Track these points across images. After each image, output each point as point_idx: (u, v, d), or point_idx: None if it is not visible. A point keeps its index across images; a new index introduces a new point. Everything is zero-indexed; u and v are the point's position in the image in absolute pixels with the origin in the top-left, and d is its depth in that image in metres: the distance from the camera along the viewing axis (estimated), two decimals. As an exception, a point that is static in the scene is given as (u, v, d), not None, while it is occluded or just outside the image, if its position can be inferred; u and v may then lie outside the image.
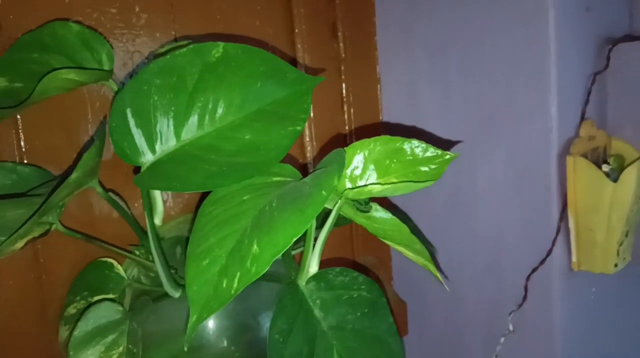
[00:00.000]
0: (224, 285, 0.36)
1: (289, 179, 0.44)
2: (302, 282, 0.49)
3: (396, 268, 0.94)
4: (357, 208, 0.46)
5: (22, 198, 0.42)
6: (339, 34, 0.82)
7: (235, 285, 0.36)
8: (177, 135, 0.45)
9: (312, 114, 0.80)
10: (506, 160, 0.76)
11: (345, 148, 0.42)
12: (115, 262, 0.56)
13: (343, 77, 0.83)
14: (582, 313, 0.78)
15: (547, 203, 0.73)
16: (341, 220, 0.62)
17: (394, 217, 0.45)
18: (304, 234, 0.48)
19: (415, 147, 0.43)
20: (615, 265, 0.73)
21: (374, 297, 0.52)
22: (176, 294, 0.56)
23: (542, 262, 0.75)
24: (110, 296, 0.52)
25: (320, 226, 0.47)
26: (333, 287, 0.50)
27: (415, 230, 0.70)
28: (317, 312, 0.49)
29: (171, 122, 0.45)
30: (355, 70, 0.84)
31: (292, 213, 0.36)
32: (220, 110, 0.46)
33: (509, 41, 0.73)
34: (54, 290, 0.57)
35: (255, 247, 0.36)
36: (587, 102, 0.75)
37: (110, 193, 0.52)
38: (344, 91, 0.84)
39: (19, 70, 0.50)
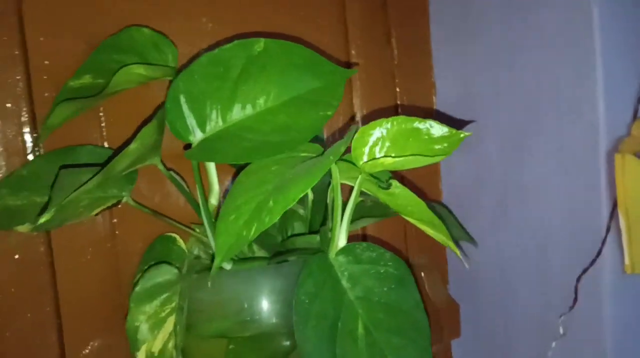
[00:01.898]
0: (244, 234, 0.42)
1: (314, 155, 0.50)
2: (331, 254, 0.54)
3: (452, 270, 0.95)
4: (379, 186, 0.51)
5: (98, 168, 0.50)
6: (393, 40, 0.87)
7: (252, 233, 0.41)
8: (223, 118, 0.52)
9: (365, 117, 0.85)
10: (554, 158, 0.76)
11: (362, 126, 0.47)
12: (178, 237, 0.64)
13: (397, 81, 0.88)
14: (637, 319, 0.76)
15: (596, 203, 0.72)
16: (384, 210, 0.67)
17: (413, 193, 0.49)
18: (332, 210, 0.53)
19: (431, 127, 0.47)
20: (672, 268, 0.71)
21: (401, 273, 0.56)
22: (228, 266, 0.62)
23: (592, 263, 0.74)
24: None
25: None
26: (360, 261, 0.54)
27: (455, 224, 0.72)
28: (345, 283, 0.54)
29: (218, 106, 0.52)
30: (409, 75, 0.88)
31: (303, 175, 0.41)
32: (260, 97, 0.53)
33: (556, 40, 0.74)
34: (127, 259, 0.65)
35: (271, 203, 0.42)
36: (639, 100, 0.74)
37: (172, 172, 0.60)
38: (397, 96, 0.88)
39: (101, 68, 0.60)
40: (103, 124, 0.63)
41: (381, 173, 0.52)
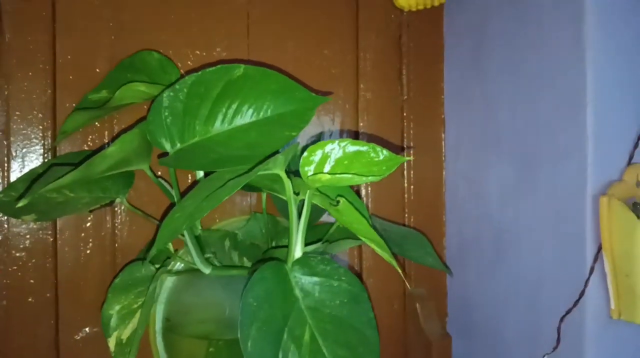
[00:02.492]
0: (178, 228, 0.48)
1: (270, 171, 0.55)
2: (288, 264, 0.58)
3: (451, 303, 0.96)
4: (330, 203, 0.55)
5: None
6: (403, 77, 0.91)
7: (182, 228, 0.47)
8: (199, 132, 0.59)
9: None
10: (545, 201, 0.77)
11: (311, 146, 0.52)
12: (167, 240, 0.70)
13: (404, 114, 0.91)
14: (626, 368, 0.74)
15: (581, 245, 0.72)
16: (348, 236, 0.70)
17: (357, 212, 0.53)
18: (291, 224, 0.58)
19: (372, 151, 0.51)
20: (659, 318, 0.69)
21: (355, 290, 0.59)
22: (206, 270, 0.68)
23: (575, 304, 0.73)
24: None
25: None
26: (315, 273, 0.58)
27: (431, 252, 0.74)
28: (297, 292, 0.58)
29: (196, 122, 0.59)
30: (418, 111, 0.92)
31: (219, 191, 0.47)
32: (235, 116, 0.59)
33: (551, 86, 0.76)
34: (125, 256, 0.73)
35: (199, 208, 0.47)
36: (636, 146, 0.73)
37: (160, 180, 0.67)
38: (404, 130, 0.92)
39: (116, 84, 0.68)
40: (115, 133, 0.71)
41: (333, 191, 0.56)
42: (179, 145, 0.58)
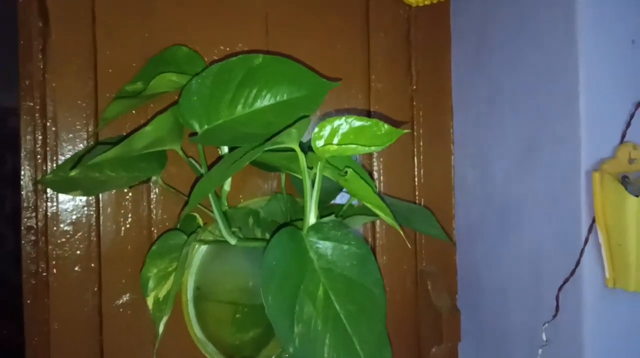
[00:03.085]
0: (205, 192, 0.56)
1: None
2: (304, 230, 0.65)
3: (461, 279, 1.01)
4: (339, 174, 0.62)
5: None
6: (412, 69, 0.98)
7: (208, 192, 0.55)
8: (224, 115, 0.67)
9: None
10: (545, 180, 0.83)
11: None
12: (197, 215, 0.78)
13: (414, 103, 0.98)
14: (621, 335, 0.79)
15: (577, 218, 0.78)
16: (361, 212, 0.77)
17: (363, 181, 0.60)
18: (305, 194, 0.65)
19: (375, 126, 0.58)
20: (650, 285, 0.74)
21: (363, 253, 0.66)
22: (232, 241, 0.76)
23: (572, 273, 0.79)
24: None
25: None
26: (328, 237, 0.65)
27: (435, 224, 0.80)
28: (312, 254, 0.65)
29: (221, 105, 0.67)
30: (427, 100, 0.99)
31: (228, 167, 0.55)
32: (255, 100, 0.67)
33: (549, 79, 0.82)
34: (159, 230, 0.81)
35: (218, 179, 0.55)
36: (628, 125, 0.79)
37: (191, 159, 0.75)
38: (414, 118, 0.98)
39: (150, 77, 0.76)
40: (148, 120, 0.80)
41: (342, 163, 0.63)
42: (206, 126, 0.66)
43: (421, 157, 0.99)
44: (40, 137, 0.80)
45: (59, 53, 0.78)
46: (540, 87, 0.83)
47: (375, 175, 0.96)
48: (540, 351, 0.83)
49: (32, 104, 0.81)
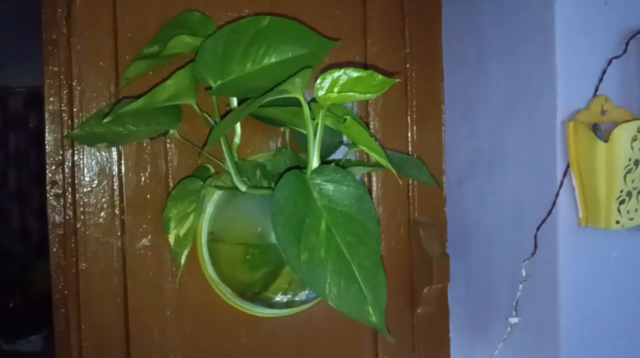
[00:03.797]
0: (222, 130, 0.64)
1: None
2: (307, 173, 0.74)
3: (450, 228, 1.10)
4: (339, 121, 0.70)
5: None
6: (406, 33, 1.06)
7: (225, 132, 0.63)
8: (236, 71, 0.75)
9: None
10: (525, 131, 0.91)
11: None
12: (210, 166, 0.87)
13: (407, 65, 1.06)
14: (593, 270, 0.88)
15: (553, 164, 0.86)
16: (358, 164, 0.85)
17: (360, 127, 0.68)
18: (309, 139, 0.73)
19: (370, 76, 0.66)
20: (617, 222, 0.83)
21: (360, 192, 0.74)
22: (243, 188, 0.84)
23: (549, 214, 0.87)
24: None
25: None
26: (329, 179, 0.74)
27: (425, 171, 0.89)
28: (315, 194, 0.73)
29: (233, 62, 0.75)
30: (419, 62, 1.07)
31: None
32: (263, 58, 0.75)
33: (529, 35, 0.89)
34: (176, 179, 0.89)
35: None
36: (600, 80, 0.87)
37: (205, 114, 0.83)
38: (407, 79, 1.06)
39: (166, 40, 0.84)
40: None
41: (338, 110, 0.72)
42: (220, 81, 0.74)
43: (414, 116, 1.07)
44: (65, 97, 0.87)
45: (81, 17, 0.86)
46: (522, 45, 0.91)
47: (372, 131, 1.05)
48: (520, 286, 0.92)
49: (57, 68, 0.88)
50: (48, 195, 0.94)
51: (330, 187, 0.74)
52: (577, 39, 0.86)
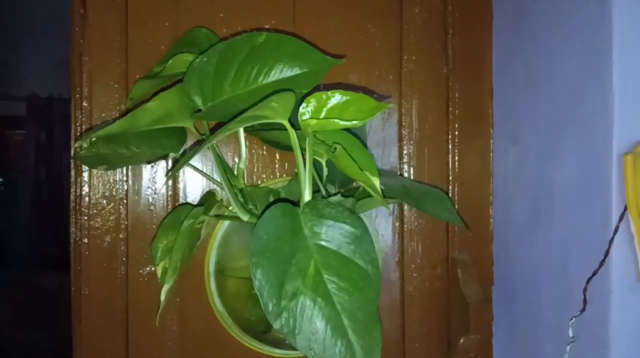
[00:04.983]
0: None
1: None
2: (301, 207, 0.66)
3: (497, 270, 0.97)
4: (328, 150, 0.61)
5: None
6: (449, 48, 0.94)
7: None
8: (227, 92, 0.68)
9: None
10: (576, 162, 0.77)
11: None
12: (217, 192, 0.81)
13: (450, 84, 0.95)
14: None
15: (607, 205, 0.71)
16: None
17: (350, 158, 0.59)
18: (298, 170, 0.65)
19: (360, 100, 0.57)
20: (688, 282, 0.67)
21: (359, 231, 0.65)
22: (244, 218, 0.77)
23: (601, 265, 0.72)
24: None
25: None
26: (323, 215, 0.65)
27: (449, 208, 0.77)
28: (306, 231, 0.65)
29: (225, 82, 0.68)
30: (464, 81, 0.95)
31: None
32: (257, 77, 0.68)
33: (583, 50, 0.75)
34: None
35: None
36: (671, 104, 0.71)
37: (204, 136, 0.78)
38: (449, 100, 0.95)
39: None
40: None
41: (330, 138, 0.63)
42: (210, 102, 0.68)
43: (456, 141, 0.95)
44: (80, 117, 0.86)
45: (93, 36, 0.84)
46: (574, 57, 0.77)
47: (406, 159, 0.94)
48: (568, 348, 0.78)
49: (79, 88, 0.87)
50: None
51: (324, 223, 0.65)
52: (637, 53, 0.70)
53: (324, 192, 0.74)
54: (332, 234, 0.65)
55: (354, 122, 0.56)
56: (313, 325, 0.61)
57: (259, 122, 0.60)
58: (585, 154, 0.75)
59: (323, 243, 0.64)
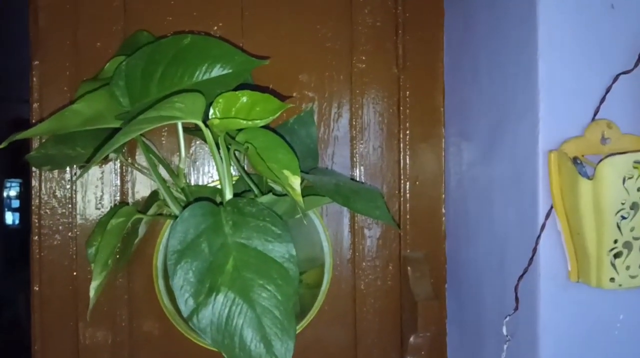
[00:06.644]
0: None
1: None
2: (223, 205, 0.67)
3: (450, 268, 0.96)
4: (243, 149, 0.63)
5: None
6: (399, 48, 0.95)
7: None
8: (153, 93, 0.70)
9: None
10: (509, 159, 0.77)
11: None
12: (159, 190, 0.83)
13: (401, 84, 0.95)
14: (583, 335, 0.71)
15: (534, 202, 0.71)
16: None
17: (259, 156, 0.60)
18: (218, 169, 0.66)
19: (266, 101, 0.58)
20: (612, 280, 0.66)
21: (279, 229, 0.66)
22: (177, 213, 0.79)
23: (530, 263, 0.72)
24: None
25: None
26: (243, 213, 0.66)
27: (382, 206, 0.77)
28: (227, 229, 0.66)
29: (151, 84, 0.70)
30: (415, 81, 0.95)
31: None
32: (182, 78, 0.70)
33: (514, 45, 0.75)
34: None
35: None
36: (602, 100, 0.71)
37: (144, 139, 0.80)
38: (400, 99, 0.95)
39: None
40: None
41: (253, 137, 0.64)
42: (136, 104, 0.70)
43: (407, 140, 0.95)
44: (32, 119, 0.89)
45: (43, 45, 0.87)
46: (509, 57, 0.77)
47: (357, 158, 0.95)
48: (505, 346, 0.77)
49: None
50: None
51: (244, 221, 0.66)
52: (570, 50, 0.70)
53: (256, 191, 0.75)
54: (252, 232, 0.66)
55: (257, 121, 0.57)
56: (229, 322, 0.63)
57: (168, 122, 0.62)
58: (516, 151, 0.75)
59: (243, 241, 0.66)
